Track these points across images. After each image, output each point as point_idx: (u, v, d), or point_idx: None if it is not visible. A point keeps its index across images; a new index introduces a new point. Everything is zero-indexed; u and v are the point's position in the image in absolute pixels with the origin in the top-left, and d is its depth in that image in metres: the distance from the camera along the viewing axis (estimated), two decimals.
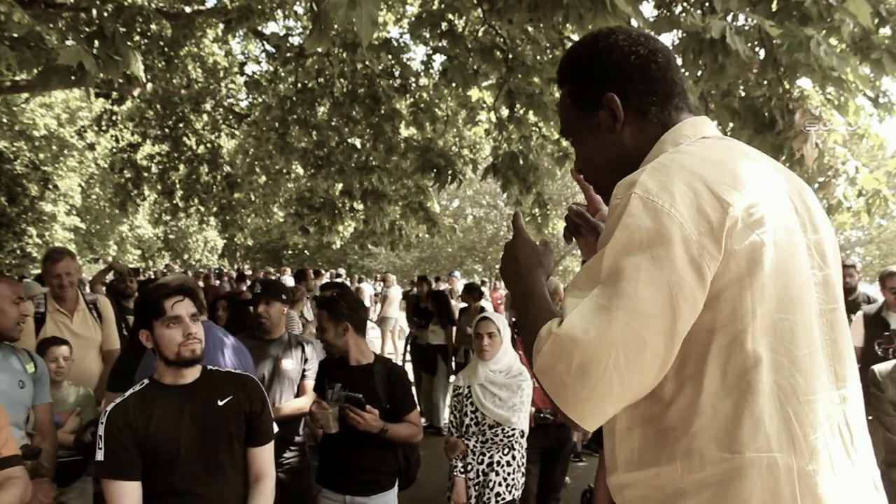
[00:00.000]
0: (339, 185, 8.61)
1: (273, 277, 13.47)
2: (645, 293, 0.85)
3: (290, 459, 3.23)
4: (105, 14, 5.55)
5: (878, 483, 0.97)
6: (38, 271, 10.77)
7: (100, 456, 1.87)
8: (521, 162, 6.33)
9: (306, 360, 3.34)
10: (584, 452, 5.90)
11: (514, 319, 4.31)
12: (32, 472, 2.42)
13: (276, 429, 2.23)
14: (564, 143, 6.81)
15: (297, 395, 3.28)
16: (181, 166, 11.17)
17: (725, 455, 0.88)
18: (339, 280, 12.28)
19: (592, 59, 1.10)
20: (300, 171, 9.67)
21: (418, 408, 2.93)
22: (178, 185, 11.47)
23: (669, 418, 0.91)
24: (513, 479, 3.22)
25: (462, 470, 3.20)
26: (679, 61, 3.31)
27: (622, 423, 0.99)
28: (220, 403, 2.02)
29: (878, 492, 0.96)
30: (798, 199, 1.00)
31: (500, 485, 3.17)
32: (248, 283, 9.21)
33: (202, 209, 11.92)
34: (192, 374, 2.03)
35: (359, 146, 8.03)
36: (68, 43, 4.29)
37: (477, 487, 3.19)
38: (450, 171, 6.57)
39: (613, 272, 0.88)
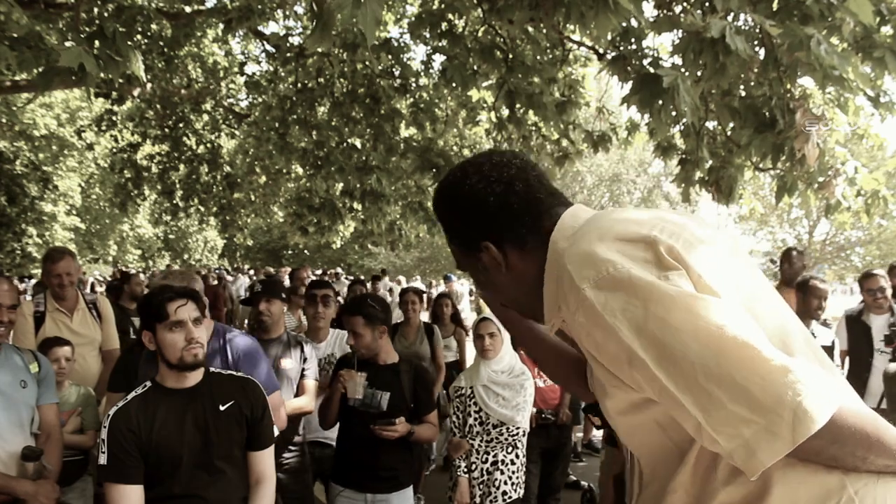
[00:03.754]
0: (339, 185, 8.61)
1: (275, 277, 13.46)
2: (701, 329, 0.79)
3: (290, 459, 3.23)
4: (105, 14, 5.55)
5: None
6: (38, 271, 10.75)
7: (102, 460, 1.88)
8: None
9: (305, 360, 3.33)
10: (584, 452, 5.90)
11: None
12: (35, 473, 2.42)
13: (276, 432, 2.23)
14: (564, 142, 6.81)
15: (297, 395, 3.28)
16: (181, 166, 11.17)
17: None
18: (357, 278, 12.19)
19: (455, 211, 1.11)
20: (300, 171, 9.67)
21: (437, 408, 3.04)
22: (178, 185, 11.47)
23: (704, 452, 0.89)
24: (517, 478, 3.25)
25: (465, 470, 3.20)
26: (679, 61, 3.31)
27: (676, 478, 0.94)
28: (222, 408, 2.03)
29: None
30: (714, 227, 1.01)
31: (505, 483, 3.19)
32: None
33: (202, 209, 11.92)
34: (194, 376, 2.03)
35: (359, 146, 8.03)
36: (68, 44, 4.29)
37: (482, 486, 3.20)
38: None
39: (663, 356, 0.81)
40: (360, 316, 2.82)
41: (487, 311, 3.75)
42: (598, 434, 5.99)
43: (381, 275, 13.24)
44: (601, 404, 1.01)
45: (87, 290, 12.90)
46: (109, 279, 17.91)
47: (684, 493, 0.92)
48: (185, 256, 31.20)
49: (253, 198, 12.11)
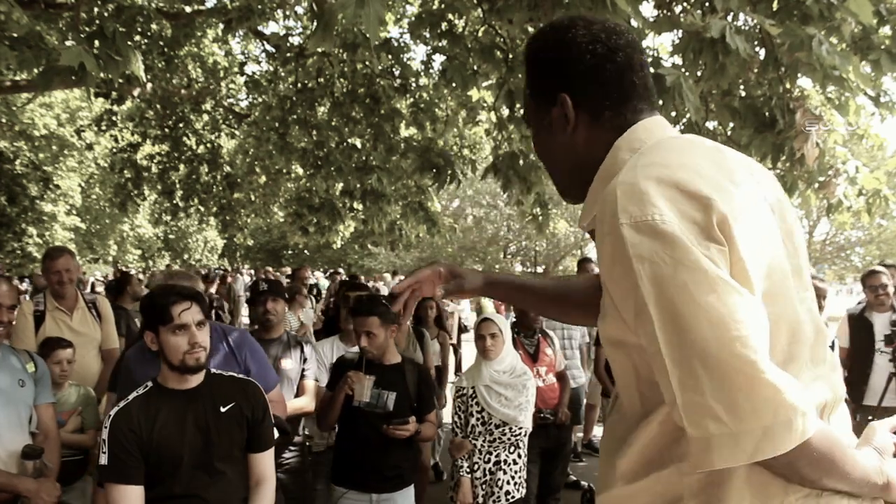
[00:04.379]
0: (339, 185, 8.61)
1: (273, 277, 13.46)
2: (718, 316, 0.78)
3: (290, 459, 3.23)
4: (105, 14, 5.55)
5: None
6: (37, 272, 10.77)
7: (103, 460, 1.88)
8: (522, 162, 6.33)
9: (305, 360, 3.34)
10: (584, 452, 5.90)
11: (514, 320, 4.32)
12: (36, 472, 2.43)
13: (276, 434, 2.23)
14: None
15: (297, 395, 3.28)
16: (181, 166, 11.16)
17: None
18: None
19: (548, 54, 1.06)
20: (300, 171, 9.67)
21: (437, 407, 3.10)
22: (178, 185, 11.47)
23: (674, 419, 0.88)
24: (519, 478, 3.26)
25: (468, 470, 3.21)
26: (679, 61, 3.32)
27: (635, 432, 0.94)
28: (223, 410, 2.03)
29: None
30: (769, 189, 0.98)
31: (508, 483, 3.20)
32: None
33: (202, 209, 11.92)
34: (196, 378, 2.04)
35: (359, 146, 8.03)
36: (68, 43, 4.30)
37: (484, 486, 3.20)
38: (449, 171, 6.56)
39: (672, 322, 0.80)
40: (375, 316, 2.83)
41: (489, 312, 3.74)
42: (598, 434, 6.00)
43: (357, 276, 13.12)
44: (599, 323, 1.00)
45: (88, 290, 12.90)
46: (104, 279, 17.91)
47: (638, 452, 0.93)
48: (185, 256, 31.20)
49: (253, 198, 12.11)
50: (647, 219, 0.83)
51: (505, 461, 3.22)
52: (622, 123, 1.01)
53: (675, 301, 0.79)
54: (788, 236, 0.95)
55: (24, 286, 13.38)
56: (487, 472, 3.21)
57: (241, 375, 2.23)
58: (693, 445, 0.78)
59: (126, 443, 1.89)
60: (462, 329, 11.93)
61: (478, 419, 3.24)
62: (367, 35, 2.33)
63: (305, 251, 30.85)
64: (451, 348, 6.37)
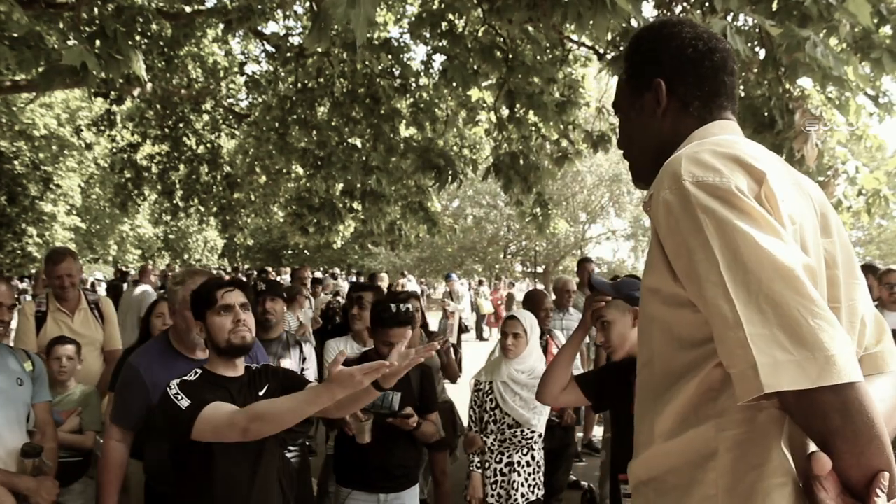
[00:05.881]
0: (339, 186, 8.61)
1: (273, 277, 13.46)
2: (780, 257, 0.85)
3: (291, 459, 3.23)
4: (105, 14, 5.55)
5: None
6: (36, 272, 10.77)
7: (185, 403, 1.86)
8: (522, 162, 6.34)
9: (304, 360, 3.34)
10: (584, 452, 5.91)
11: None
12: (35, 470, 2.43)
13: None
14: (564, 142, 6.82)
15: None
16: (181, 166, 11.17)
17: (750, 414, 0.90)
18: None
19: (653, 42, 1.18)
20: (300, 171, 9.67)
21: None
22: (178, 185, 11.48)
23: (712, 378, 0.93)
24: (534, 480, 3.23)
25: (479, 465, 3.20)
26: None
27: (672, 390, 0.98)
28: (261, 394, 2.08)
29: None
30: (815, 200, 1.06)
31: (523, 485, 3.18)
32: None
33: (202, 209, 11.92)
34: (239, 366, 2.09)
35: (359, 146, 8.04)
36: (70, 43, 4.30)
37: (495, 486, 3.19)
38: (450, 171, 6.56)
39: (737, 263, 0.87)
40: (407, 326, 2.76)
41: (517, 311, 3.58)
42: (598, 434, 6.00)
43: (325, 275, 12.76)
44: (644, 276, 1.05)
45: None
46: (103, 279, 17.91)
47: (675, 410, 0.97)
48: (185, 256, 31.19)
49: (253, 198, 12.11)
50: (709, 179, 0.92)
51: (518, 463, 3.20)
52: (706, 116, 1.13)
53: (741, 245, 0.86)
54: (827, 248, 1.02)
55: (24, 286, 13.37)
56: (499, 473, 3.19)
57: (255, 365, 2.25)
58: (762, 370, 0.82)
59: (199, 388, 1.92)
60: (462, 329, 11.93)
61: (490, 416, 3.22)
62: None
63: (305, 251, 30.84)
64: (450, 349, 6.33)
